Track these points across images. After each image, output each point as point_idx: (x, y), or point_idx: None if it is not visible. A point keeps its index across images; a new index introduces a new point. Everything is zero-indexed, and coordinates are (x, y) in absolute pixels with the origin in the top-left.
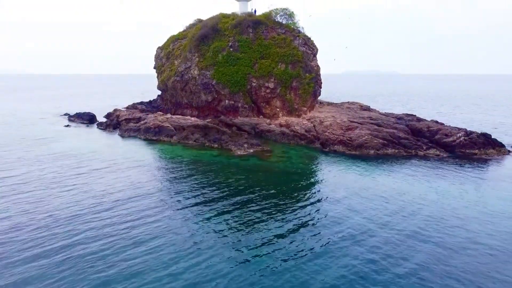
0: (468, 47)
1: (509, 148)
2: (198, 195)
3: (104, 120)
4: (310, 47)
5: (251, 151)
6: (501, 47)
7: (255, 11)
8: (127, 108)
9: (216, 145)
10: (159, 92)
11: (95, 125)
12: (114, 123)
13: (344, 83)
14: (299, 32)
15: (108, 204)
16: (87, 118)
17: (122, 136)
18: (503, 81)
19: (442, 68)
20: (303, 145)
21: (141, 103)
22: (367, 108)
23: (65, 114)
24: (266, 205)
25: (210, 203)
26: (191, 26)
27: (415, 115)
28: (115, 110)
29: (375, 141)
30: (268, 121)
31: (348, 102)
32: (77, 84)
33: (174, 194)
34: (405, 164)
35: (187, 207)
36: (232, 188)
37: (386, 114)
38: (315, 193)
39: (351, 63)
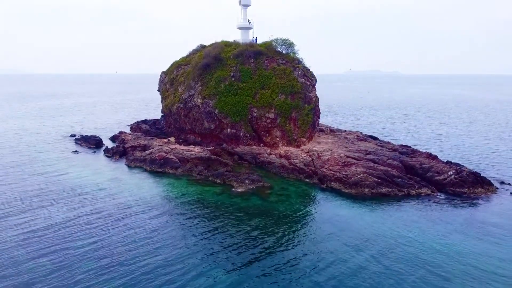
0: (471, 47)
1: (497, 185)
2: (201, 245)
3: (110, 143)
4: (309, 78)
5: (252, 187)
6: (505, 47)
7: (256, 39)
8: (131, 128)
9: (219, 180)
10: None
11: (102, 151)
12: (121, 150)
13: (343, 93)
14: (299, 62)
15: (122, 268)
16: (94, 143)
17: (128, 166)
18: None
19: (443, 69)
20: (302, 180)
21: (145, 121)
22: (364, 139)
23: (72, 135)
24: (264, 262)
25: (211, 260)
26: (194, 52)
27: (410, 146)
28: (121, 132)
29: (370, 179)
30: (268, 150)
31: (346, 131)
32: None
33: (181, 249)
34: (397, 207)
35: (193, 271)
36: (233, 238)
37: (382, 145)
38: (308, 245)
39: (352, 63)
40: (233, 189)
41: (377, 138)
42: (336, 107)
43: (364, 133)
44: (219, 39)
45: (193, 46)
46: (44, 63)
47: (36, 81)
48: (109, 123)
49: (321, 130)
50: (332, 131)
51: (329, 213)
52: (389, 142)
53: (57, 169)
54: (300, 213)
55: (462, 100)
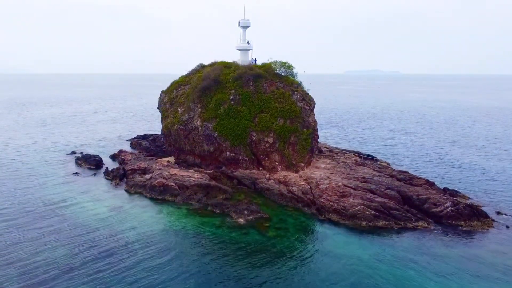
0: (472, 47)
1: (493, 216)
2: None
3: (110, 161)
4: (307, 103)
5: (251, 218)
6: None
7: (255, 60)
8: (131, 144)
9: (218, 210)
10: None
11: (102, 173)
12: (121, 174)
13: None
14: (297, 86)
15: None
16: (94, 163)
17: (128, 191)
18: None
19: (444, 69)
20: (300, 209)
21: (145, 136)
22: (362, 163)
23: (72, 153)
24: None
25: None
26: (193, 72)
27: (408, 172)
28: (120, 151)
29: (367, 212)
30: (267, 175)
31: (345, 155)
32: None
33: None
34: (394, 243)
35: None
36: (232, 282)
37: (380, 170)
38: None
39: (352, 62)
40: (232, 221)
41: (376, 158)
42: (336, 117)
43: (363, 151)
44: (220, 45)
45: (194, 48)
46: (45, 62)
47: (37, 82)
48: (109, 137)
49: (320, 151)
50: (330, 151)
51: (327, 251)
52: (387, 165)
53: (59, 197)
54: (298, 251)
55: (462, 108)
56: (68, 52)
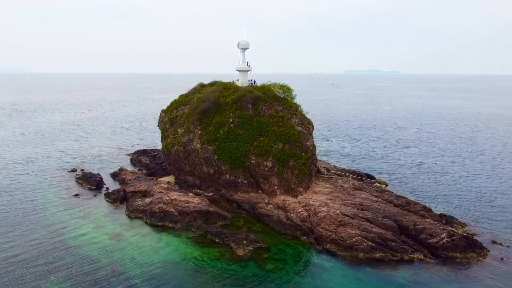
0: (472, 46)
1: (488, 246)
2: None
3: (111, 180)
4: (306, 127)
5: (250, 248)
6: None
7: (254, 81)
8: (131, 159)
9: (218, 239)
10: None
11: (102, 194)
12: (121, 196)
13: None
14: (296, 110)
15: None
16: (95, 183)
17: (129, 216)
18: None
19: (444, 69)
20: (298, 238)
21: (145, 151)
22: (360, 188)
23: (72, 171)
24: None
25: None
26: (193, 91)
27: (405, 197)
28: (121, 169)
29: (364, 243)
30: (266, 199)
31: (343, 178)
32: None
33: None
34: (390, 278)
35: None
36: None
37: (377, 195)
38: None
39: (352, 62)
40: (231, 253)
41: (374, 178)
42: (336, 128)
43: (362, 168)
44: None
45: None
46: (46, 62)
47: (38, 83)
48: (110, 152)
49: (319, 172)
50: (329, 171)
51: (324, 286)
52: (385, 186)
53: (60, 225)
54: (296, 286)
55: (463, 117)
56: (70, 52)
